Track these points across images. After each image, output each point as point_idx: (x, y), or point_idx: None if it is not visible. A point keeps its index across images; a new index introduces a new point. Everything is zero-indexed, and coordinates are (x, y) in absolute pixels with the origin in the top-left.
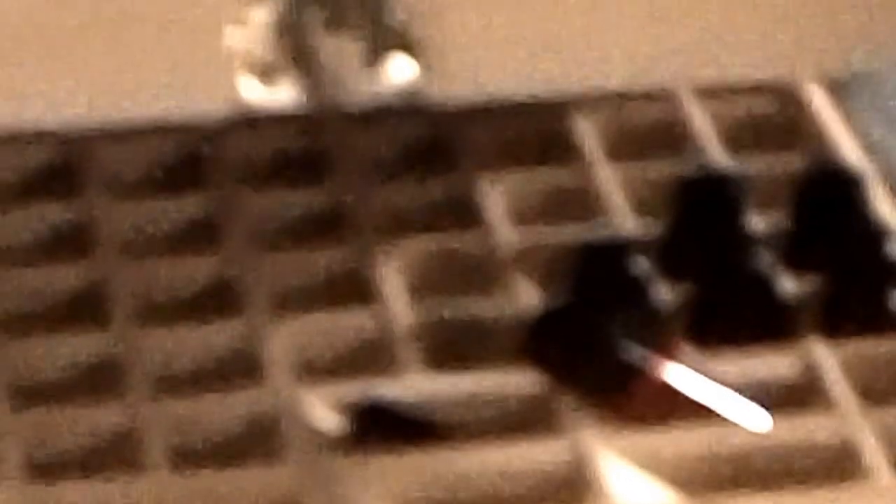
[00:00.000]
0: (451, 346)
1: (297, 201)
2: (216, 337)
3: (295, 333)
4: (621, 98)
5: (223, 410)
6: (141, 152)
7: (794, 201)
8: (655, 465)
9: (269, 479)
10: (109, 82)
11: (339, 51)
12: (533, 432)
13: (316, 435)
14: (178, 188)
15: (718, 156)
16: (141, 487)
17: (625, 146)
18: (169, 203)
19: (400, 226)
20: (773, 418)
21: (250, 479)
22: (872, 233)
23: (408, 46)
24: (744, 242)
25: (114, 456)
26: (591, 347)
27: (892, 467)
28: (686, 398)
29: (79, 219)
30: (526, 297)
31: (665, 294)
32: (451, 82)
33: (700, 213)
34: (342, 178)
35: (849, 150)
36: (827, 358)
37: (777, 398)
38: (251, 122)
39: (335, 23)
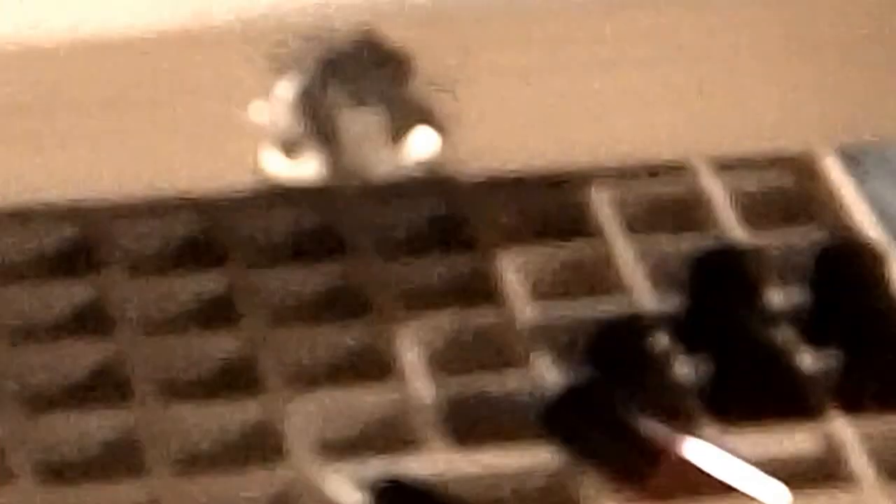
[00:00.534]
0: (472, 423)
1: (316, 277)
2: (236, 414)
3: (315, 410)
4: (639, 172)
5: (244, 488)
6: (160, 228)
7: (813, 275)
8: None
9: None
10: (131, 157)
11: (362, 125)
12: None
13: None
14: (198, 264)
15: (736, 229)
16: None
17: (643, 220)
18: (188, 280)
19: (419, 301)
20: (793, 494)
21: None
22: (892, 306)
23: (430, 120)
24: (763, 317)
25: None
26: (612, 423)
27: None
28: (706, 474)
29: (99, 296)
30: (546, 372)
31: (685, 369)
32: (470, 156)
33: (719, 287)
34: (361, 253)
35: (866, 222)
36: (847, 433)
37: (797, 473)
38: (270, 197)
39: (358, 97)
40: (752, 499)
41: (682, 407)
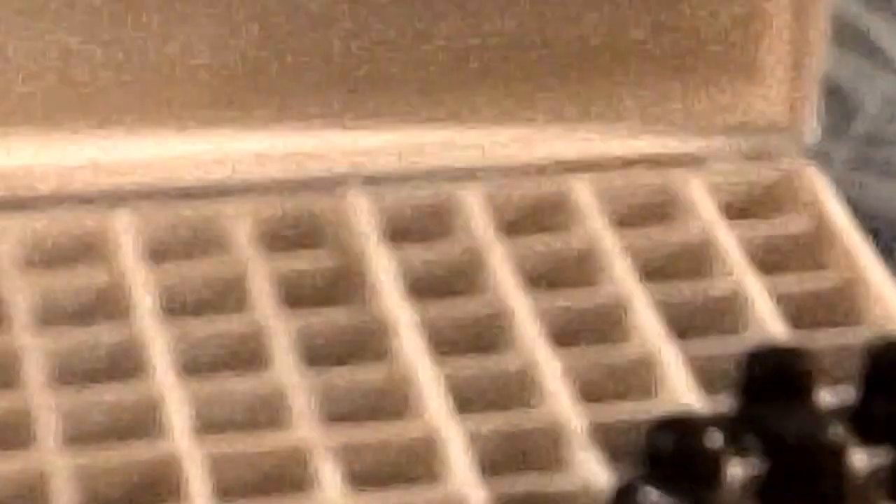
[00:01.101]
0: None
1: (361, 377)
2: None
3: None
4: (680, 273)
5: None
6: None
7: (862, 374)
8: None
9: None
10: None
11: None
12: None
13: None
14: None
15: (781, 330)
16: None
17: (687, 323)
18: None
19: (464, 402)
20: None
21: None
22: None
23: None
24: (813, 416)
25: None
26: None
27: None
28: None
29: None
30: (596, 473)
31: (737, 469)
32: None
33: (769, 387)
34: (407, 352)
35: None
36: None
37: None
38: None
39: None
40: None
41: None
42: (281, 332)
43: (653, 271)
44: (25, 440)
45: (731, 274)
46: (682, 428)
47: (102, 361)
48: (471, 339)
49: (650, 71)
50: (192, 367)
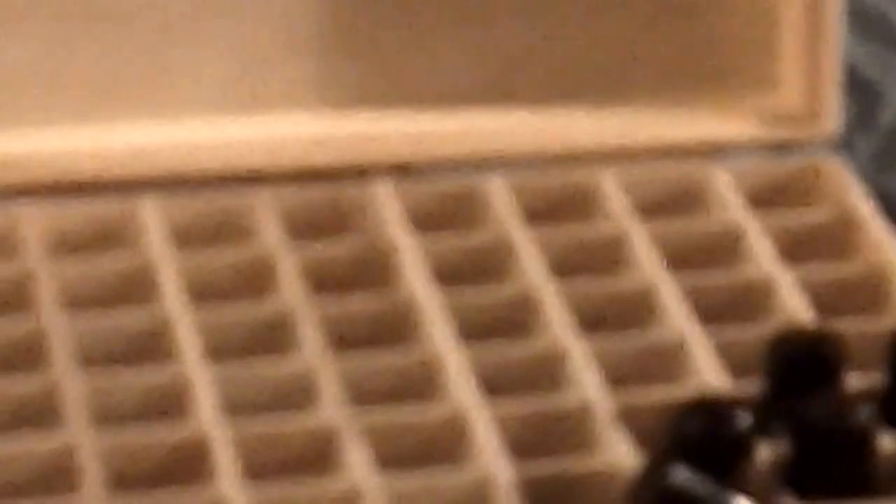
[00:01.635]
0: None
1: (388, 361)
2: None
3: (390, 492)
4: (707, 261)
5: None
6: None
7: (889, 359)
8: None
9: None
10: None
11: None
12: None
13: None
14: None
15: (808, 317)
16: None
17: (715, 310)
18: None
19: (493, 386)
20: None
21: None
22: None
23: None
24: (841, 399)
25: None
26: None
27: None
28: None
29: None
30: (624, 455)
31: (764, 451)
32: None
33: (797, 370)
34: (434, 336)
35: None
36: None
37: None
38: None
39: None
40: None
41: (764, 488)
42: (308, 317)
43: (680, 260)
44: (54, 420)
45: (757, 262)
46: (710, 410)
47: (131, 344)
48: (499, 325)
49: (677, 66)
50: (221, 350)
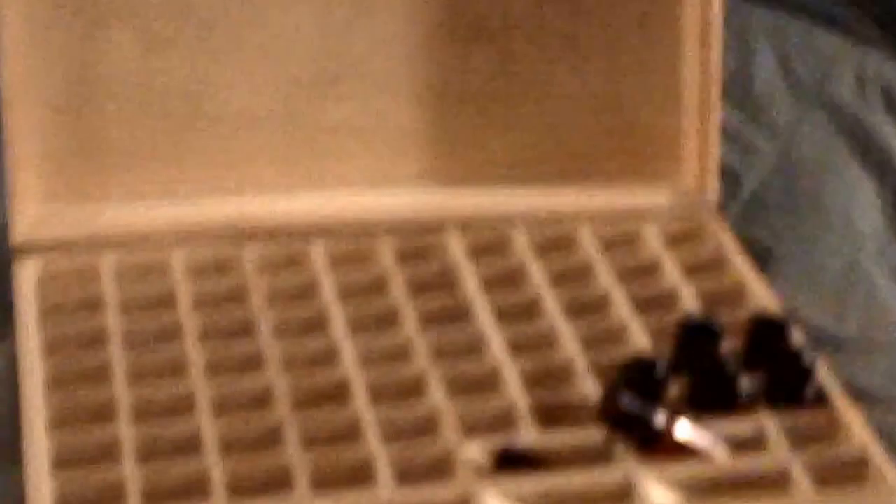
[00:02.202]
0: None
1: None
2: None
3: None
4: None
5: None
6: None
7: (746, 336)
8: (668, 480)
9: None
10: None
11: None
12: (599, 466)
13: None
14: None
15: (697, 309)
16: None
17: (646, 304)
18: None
19: None
20: (731, 455)
21: None
22: (792, 352)
23: None
24: (719, 357)
25: None
26: (636, 419)
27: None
28: (686, 445)
29: None
30: (592, 391)
31: (675, 385)
32: None
33: (692, 340)
34: None
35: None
36: (767, 422)
37: (733, 445)
38: None
39: None
40: (709, 455)
41: (673, 406)
42: None
43: (625, 276)
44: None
45: (670, 278)
46: (644, 362)
47: None
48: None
49: (606, 165)
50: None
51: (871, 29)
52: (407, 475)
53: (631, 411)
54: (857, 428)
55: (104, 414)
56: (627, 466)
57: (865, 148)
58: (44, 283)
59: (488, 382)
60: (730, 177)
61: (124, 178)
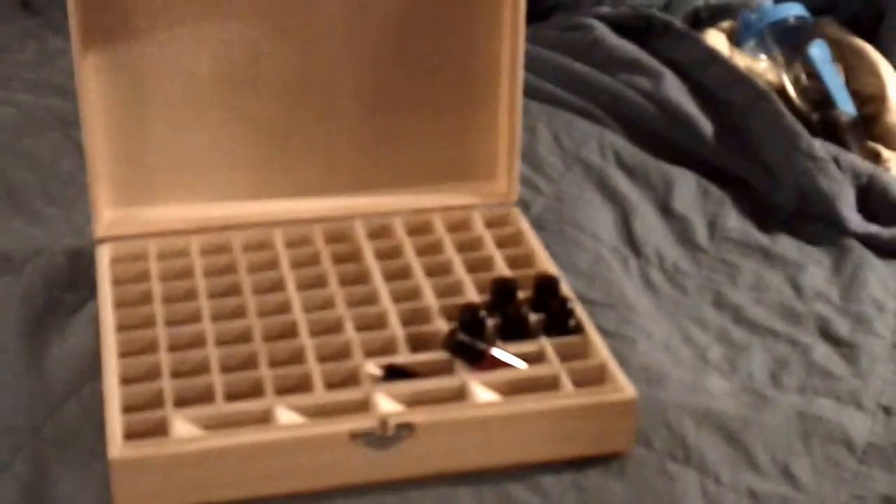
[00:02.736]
0: None
1: None
2: None
3: None
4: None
5: None
6: None
7: (533, 288)
8: (489, 384)
9: None
10: None
11: None
12: (446, 376)
13: None
14: None
15: (505, 271)
16: None
17: (475, 265)
18: None
19: None
20: (526, 366)
21: None
22: (561, 299)
23: None
24: (517, 305)
25: None
26: (467, 347)
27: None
28: (499, 362)
29: None
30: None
31: (491, 322)
32: None
33: (498, 293)
34: None
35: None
36: (546, 345)
37: (527, 360)
38: None
39: None
40: (515, 366)
41: (489, 338)
42: None
43: (462, 250)
44: None
45: (488, 249)
46: (472, 309)
47: None
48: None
49: (429, 175)
50: None
51: (608, 117)
52: (331, 385)
53: (463, 342)
54: (600, 348)
55: (151, 347)
56: (463, 377)
57: (604, 188)
58: (114, 262)
59: (380, 321)
60: (522, 206)
61: (161, 190)
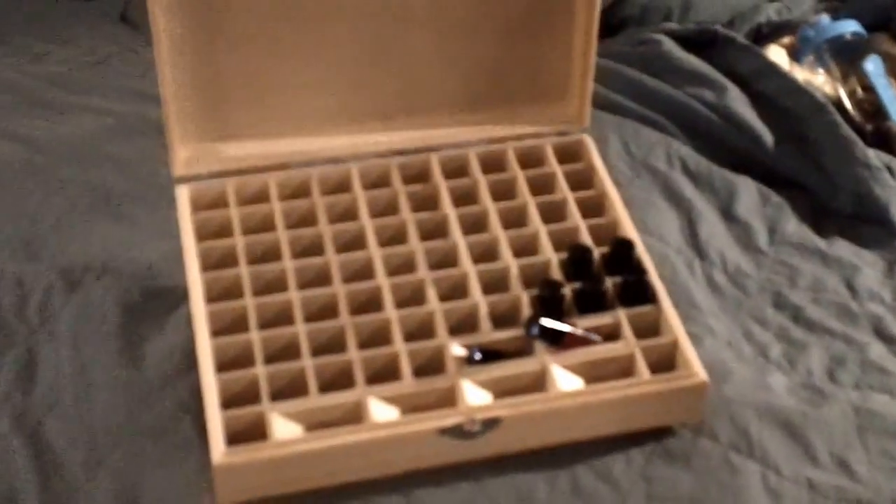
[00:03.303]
0: None
1: None
2: None
3: None
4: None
5: None
6: None
7: (609, 251)
8: (567, 366)
9: None
10: None
11: None
12: (526, 358)
13: None
14: None
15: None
16: None
17: (554, 215)
18: None
19: None
20: (602, 343)
21: None
22: (636, 265)
23: None
24: (593, 276)
25: None
26: (548, 331)
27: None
28: (581, 339)
29: None
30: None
31: (568, 291)
32: None
33: (575, 262)
34: None
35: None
36: (622, 317)
37: (603, 335)
38: None
39: None
40: (596, 343)
41: (568, 313)
42: None
43: (534, 189)
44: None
45: (561, 188)
46: (551, 284)
47: None
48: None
49: (503, 97)
50: None
51: (674, 127)
52: (418, 369)
53: (544, 327)
54: (674, 322)
55: (236, 292)
56: (543, 359)
57: (670, 194)
58: (193, 200)
59: (461, 288)
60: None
61: (237, 126)
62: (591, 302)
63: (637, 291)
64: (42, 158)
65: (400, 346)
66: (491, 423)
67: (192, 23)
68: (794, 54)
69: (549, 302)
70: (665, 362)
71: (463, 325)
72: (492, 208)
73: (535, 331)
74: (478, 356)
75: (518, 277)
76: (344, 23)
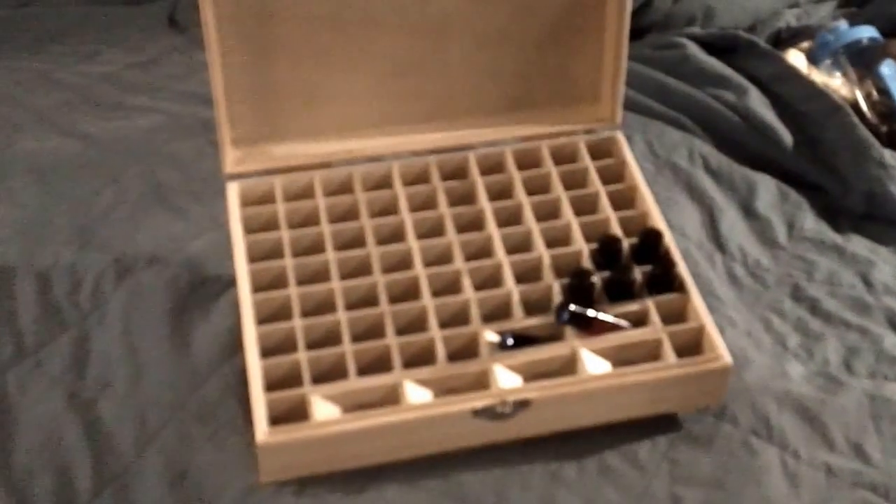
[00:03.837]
0: None
1: None
2: None
3: None
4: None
5: None
6: None
7: (637, 241)
8: (597, 350)
9: None
10: None
11: None
12: (557, 343)
13: None
14: None
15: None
16: None
17: (587, 208)
18: None
19: None
20: (631, 328)
21: None
22: (664, 254)
23: None
24: (622, 265)
25: None
26: (578, 317)
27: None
28: (607, 326)
29: None
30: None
31: (597, 280)
32: None
33: (607, 255)
34: None
35: (653, 213)
36: (650, 305)
37: (631, 321)
38: None
39: None
40: (624, 329)
41: (598, 300)
42: None
43: (567, 185)
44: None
45: (594, 183)
46: (581, 272)
47: None
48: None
49: (538, 102)
50: None
51: (697, 127)
52: (452, 353)
53: (574, 313)
54: (700, 309)
55: (280, 282)
56: (573, 343)
57: (692, 191)
58: (242, 196)
59: (495, 278)
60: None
61: (283, 127)
62: (620, 290)
63: (664, 280)
64: (96, 153)
65: (435, 332)
66: (521, 405)
67: (242, 35)
68: (813, 58)
69: (579, 290)
70: (691, 347)
71: (496, 313)
72: (526, 202)
73: (565, 317)
74: (510, 342)
75: (550, 267)
76: (386, 34)
